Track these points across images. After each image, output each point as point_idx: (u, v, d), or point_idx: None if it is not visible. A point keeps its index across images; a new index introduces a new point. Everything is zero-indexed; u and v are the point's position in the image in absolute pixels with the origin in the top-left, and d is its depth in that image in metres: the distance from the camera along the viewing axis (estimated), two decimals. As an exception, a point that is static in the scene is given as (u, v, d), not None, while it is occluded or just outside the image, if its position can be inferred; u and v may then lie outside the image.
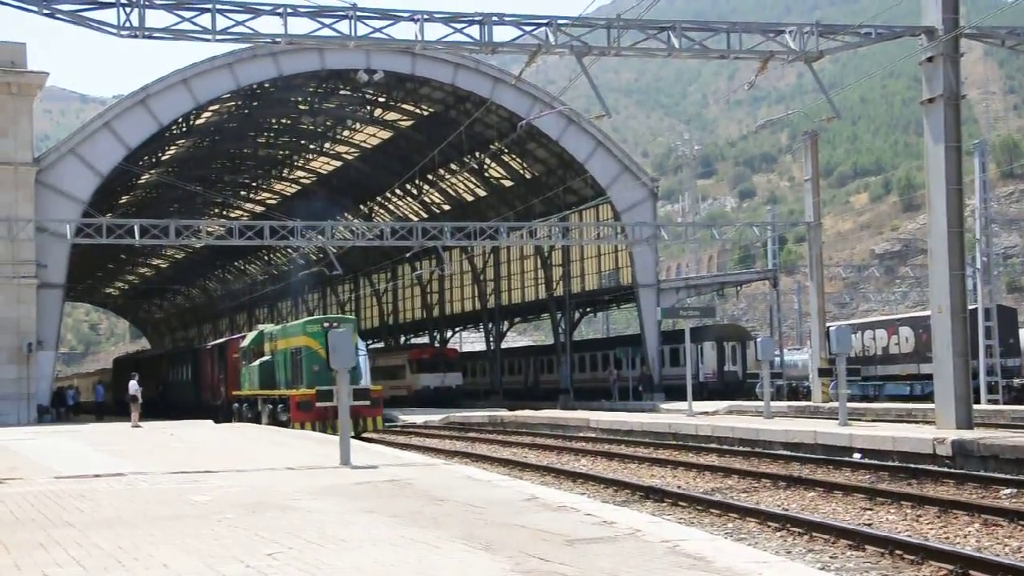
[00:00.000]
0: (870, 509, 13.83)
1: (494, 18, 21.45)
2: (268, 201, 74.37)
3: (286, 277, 76.29)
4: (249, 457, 18.24)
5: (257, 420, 34.15)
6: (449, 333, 74.70)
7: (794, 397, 47.17)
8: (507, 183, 59.20)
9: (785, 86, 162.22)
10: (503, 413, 41.40)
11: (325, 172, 67.95)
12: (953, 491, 15.36)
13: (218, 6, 20.00)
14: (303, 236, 39.78)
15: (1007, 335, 41.21)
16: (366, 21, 20.92)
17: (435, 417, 40.41)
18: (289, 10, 20.65)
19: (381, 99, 54.92)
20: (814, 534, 11.69)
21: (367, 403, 29.77)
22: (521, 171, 57.49)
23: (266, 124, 60.65)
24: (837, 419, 24.51)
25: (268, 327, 37.79)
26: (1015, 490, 14.89)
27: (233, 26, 20.34)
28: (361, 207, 69.43)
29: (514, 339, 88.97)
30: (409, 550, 8.12)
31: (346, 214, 67.89)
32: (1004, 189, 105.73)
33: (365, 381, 31.03)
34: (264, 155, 67.22)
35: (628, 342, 55.04)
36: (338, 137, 61.87)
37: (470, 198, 62.66)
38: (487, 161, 57.26)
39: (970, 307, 27.85)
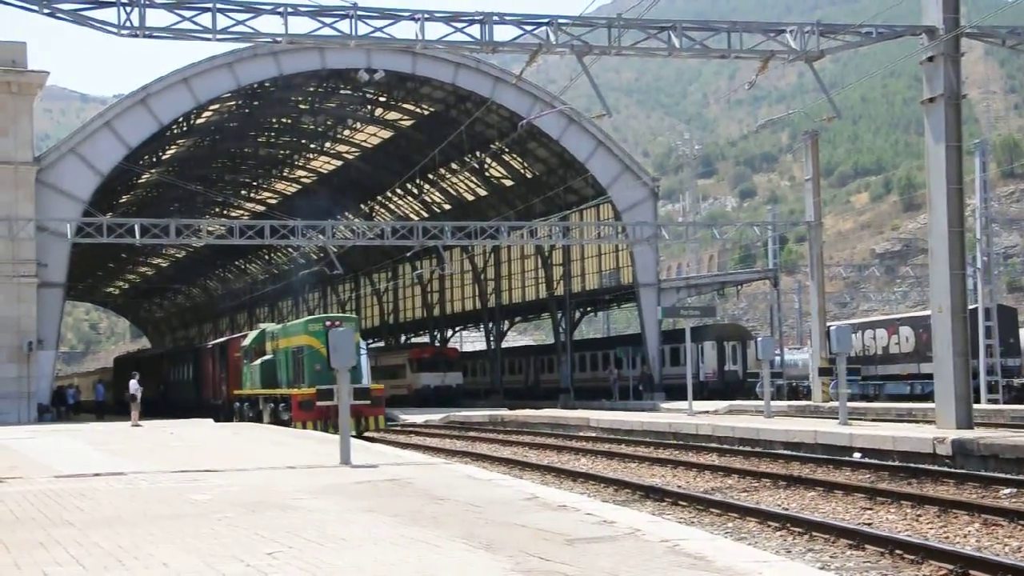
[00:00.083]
0: (870, 509, 13.83)
1: (495, 17, 21.45)
2: (269, 200, 74.38)
3: (287, 276, 76.31)
4: (249, 456, 18.24)
5: (259, 419, 34.13)
6: (449, 332, 74.71)
7: (794, 397, 47.17)
8: (508, 182, 59.20)
9: (786, 86, 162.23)
10: (503, 412, 41.41)
11: (326, 171, 67.95)
12: (953, 491, 15.36)
13: (218, 5, 19.99)
14: (303, 235, 39.79)
15: (1007, 335, 41.20)
16: (367, 20, 20.92)
17: (435, 416, 40.41)
18: (290, 9, 20.65)
19: (382, 98, 54.92)
20: (814, 534, 11.68)
21: (367, 402, 29.75)
22: (522, 170, 57.49)
23: (266, 123, 60.65)
24: (837, 419, 24.51)
25: (270, 326, 37.76)
26: (1015, 490, 14.89)
27: (233, 25, 20.33)
28: (362, 206, 69.44)
29: (514, 338, 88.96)
30: (409, 549, 8.12)
31: (347, 213, 67.89)
32: (1004, 189, 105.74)
33: (366, 380, 31.02)
34: (264, 154, 67.22)
35: (628, 341, 55.04)
36: (339, 136, 61.87)
37: (471, 197, 62.66)
38: (488, 160, 57.26)
39: (970, 307, 27.85)
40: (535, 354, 66.34)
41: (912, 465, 18.13)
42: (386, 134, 59.66)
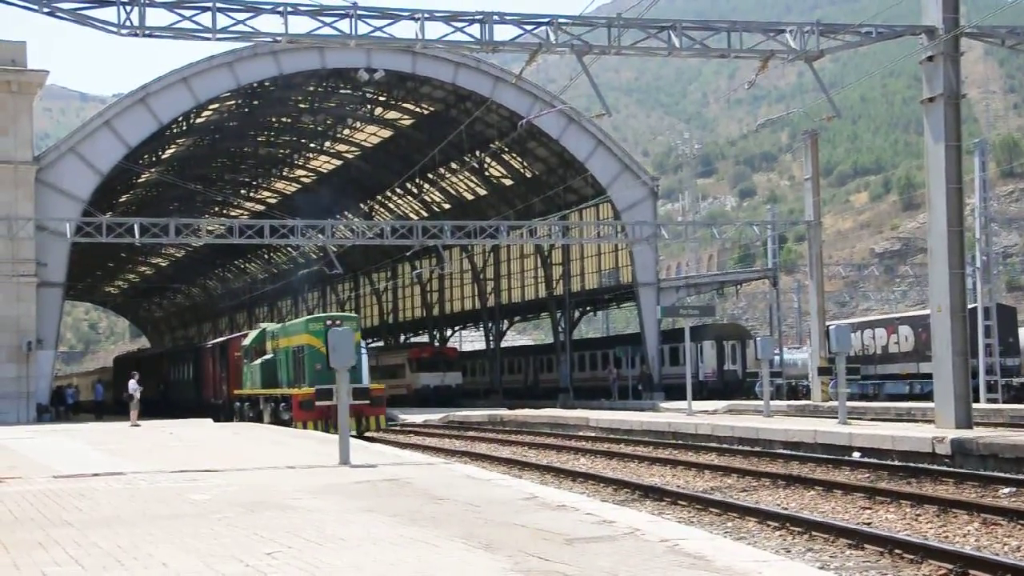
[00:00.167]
0: (869, 508, 13.83)
1: (495, 17, 21.44)
2: (268, 200, 74.38)
3: (286, 276, 76.33)
4: (248, 456, 18.24)
5: (259, 419, 34.08)
6: (449, 332, 74.70)
7: (794, 396, 47.18)
8: (507, 182, 59.20)
9: (785, 85, 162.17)
10: (503, 412, 41.41)
11: (325, 171, 67.95)
12: (952, 490, 15.36)
13: (218, 5, 19.99)
14: (303, 235, 39.79)
15: (1006, 334, 41.20)
16: (367, 20, 20.91)
17: (435, 416, 40.41)
18: (289, 9, 20.64)
19: (382, 98, 54.91)
20: (813, 533, 11.68)
21: (367, 402, 29.72)
22: (521, 170, 57.49)
23: (266, 123, 60.63)
24: (837, 418, 24.51)
25: (270, 325, 37.71)
26: (1014, 489, 14.89)
27: (233, 25, 20.33)
28: (361, 206, 69.43)
29: (514, 338, 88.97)
30: (408, 549, 8.12)
31: (346, 213, 67.88)
32: (1004, 188, 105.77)
33: (366, 380, 30.99)
34: (264, 154, 67.20)
35: (628, 341, 55.03)
36: (338, 136, 61.86)
37: (470, 197, 62.66)
38: (487, 160, 57.25)
39: (970, 306, 27.87)
40: (534, 354, 66.34)
41: (911, 464, 18.13)
42: (386, 133, 59.66)
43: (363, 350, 31.92)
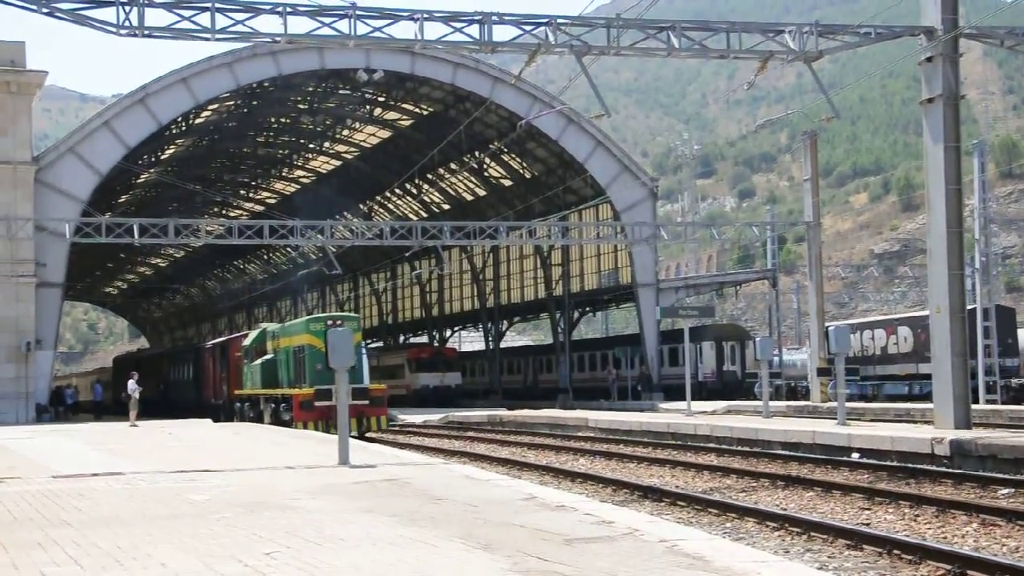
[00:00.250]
0: (868, 509, 13.83)
1: (494, 17, 21.45)
2: (268, 200, 74.37)
3: (285, 276, 76.31)
4: (248, 456, 18.23)
5: (259, 420, 34.03)
6: (448, 332, 74.71)
7: (793, 397, 47.17)
8: (507, 182, 59.21)
9: (784, 86, 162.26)
10: (502, 412, 41.41)
11: (324, 171, 67.95)
12: (951, 491, 15.37)
13: (218, 5, 20.00)
14: (302, 235, 39.79)
15: (1005, 335, 41.22)
16: (366, 20, 20.92)
17: (434, 416, 40.41)
18: (289, 9, 20.65)
19: (381, 98, 54.92)
20: (812, 534, 11.69)
21: (366, 402, 29.70)
22: (521, 171, 57.50)
23: (265, 123, 60.64)
24: (836, 419, 24.51)
25: (271, 325, 37.65)
26: (1013, 490, 14.90)
27: (232, 25, 20.33)
28: (361, 206, 69.43)
29: (513, 338, 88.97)
30: (407, 549, 8.12)
31: (346, 213, 67.89)
32: (1003, 189, 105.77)
33: (366, 381, 30.98)
34: (263, 154, 67.21)
35: (627, 342, 55.03)
36: (338, 136, 61.87)
37: (470, 197, 62.67)
38: (487, 160, 57.26)
39: (969, 307, 27.89)
40: (534, 354, 66.35)
41: (910, 465, 18.14)
42: (385, 134, 59.67)
43: (363, 350, 31.91)
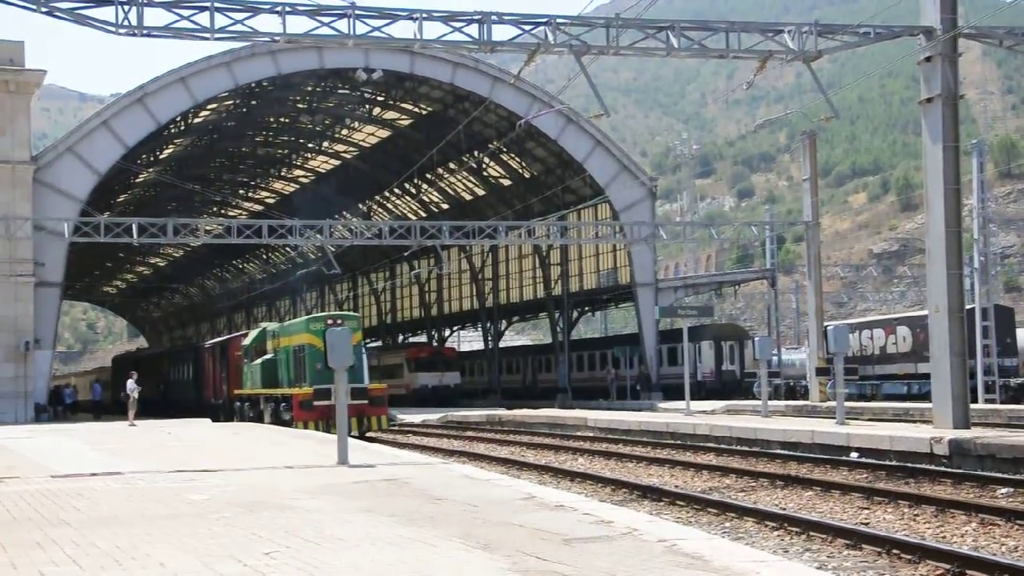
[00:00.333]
0: (867, 508, 13.84)
1: (493, 17, 21.44)
2: (267, 200, 74.36)
3: (284, 276, 76.27)
4: (247, 456, 18.23)
5: (259, 419, 33.99)
6: (447, 332, 74.71)
7: (792, 396, 47.17)
8: (506, 182, 59.20)
9: (784, 86, 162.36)
10: (501, 412, 41.41)
11: (324, 171, 67.95)
12: (950, 490, 15.37)
13: (216, 4, 19.98)
14: (301, 235, 39.78)
15: (1004, 335, 41.24)
16: (365, 20, 20.91)
17: (433, 416, 40.40)
18: (288, 8, 20.64)
19: (380, 98, 54.90)
20: (811, 533, 11.69)
21: (366, 402, 29.69)
22: (520, 170, 57.49)
23: (264, 123, 60.62)
24: (835, 418, 24.53)
25: (271, 325, 37.61)
26: (1012, 489, 14.90)
27: (231, 24, 20.32)
28: (360, 206, 69.42)
29: (512, 338, 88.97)
30: (407, 549, 8.12)
31: (345, 213, 67.88)
32: (1002, 189, 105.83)
33: (365, 380, 30.95)
34: (262, 154, 67.19)
35: (626, 341, 55.03)
36: (337, 136, 61.85)
37: (469, 197, 62.66)
38: (486, 160, 57.26)
39: (967, 307, 27.90)
40: (533, 354, 66.34)
41: (909, 465, 18.14)
42: (384, 133, 59.65)
43: (363, 350, 31.88)
